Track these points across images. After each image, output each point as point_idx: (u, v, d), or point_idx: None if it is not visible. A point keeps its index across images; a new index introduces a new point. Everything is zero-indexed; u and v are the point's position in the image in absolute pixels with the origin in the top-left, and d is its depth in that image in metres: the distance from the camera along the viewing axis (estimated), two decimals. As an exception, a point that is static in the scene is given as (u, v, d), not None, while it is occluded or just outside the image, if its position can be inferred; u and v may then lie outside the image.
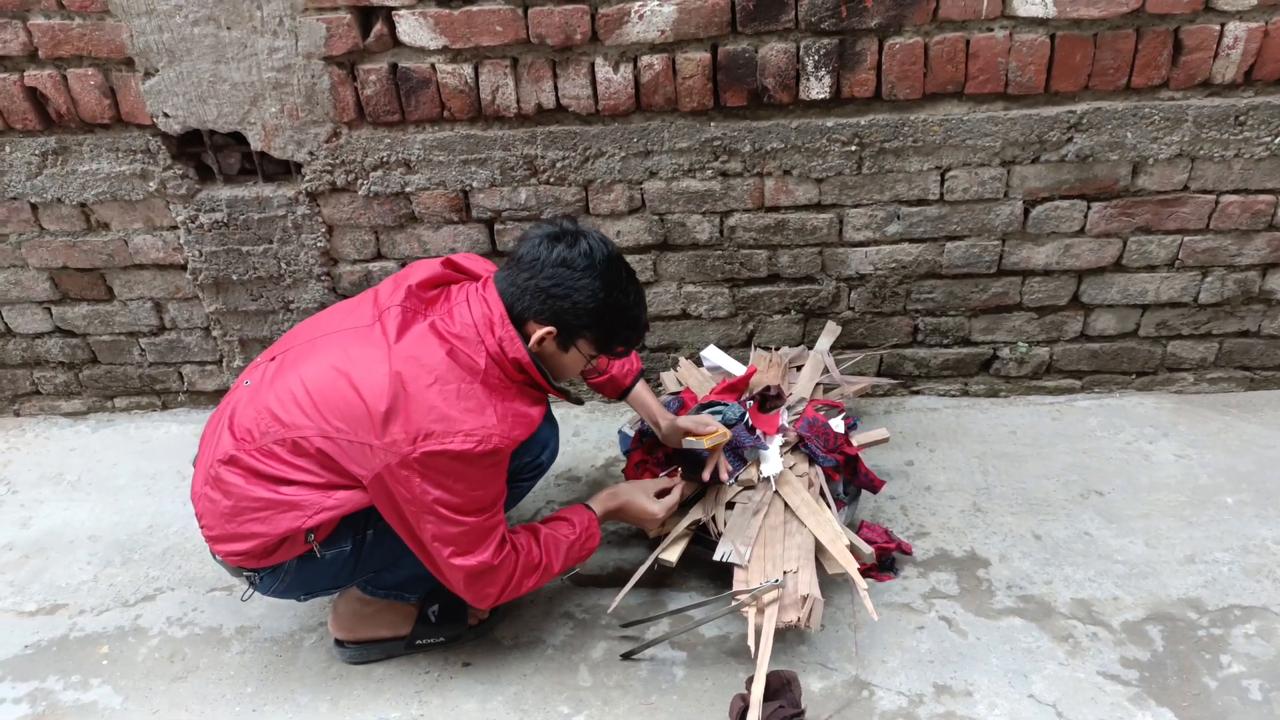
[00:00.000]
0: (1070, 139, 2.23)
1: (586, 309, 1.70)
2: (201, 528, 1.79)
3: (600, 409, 2.77)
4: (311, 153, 2.37)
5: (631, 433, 2.44)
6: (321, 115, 2.32)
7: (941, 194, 2.34)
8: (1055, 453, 2.47)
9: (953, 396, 2.69)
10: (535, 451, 1.94)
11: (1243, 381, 2.60)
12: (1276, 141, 2.20)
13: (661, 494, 2.04)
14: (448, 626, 2.03)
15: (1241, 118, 2.18)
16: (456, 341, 1.69)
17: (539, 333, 1.70)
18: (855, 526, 2.21)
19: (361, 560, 1.82)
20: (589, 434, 2.68)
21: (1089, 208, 2.34)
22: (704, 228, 2.44)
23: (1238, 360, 2.57)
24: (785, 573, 1.93)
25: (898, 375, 2.67)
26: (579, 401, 1.98)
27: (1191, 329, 2.52)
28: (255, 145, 2.39)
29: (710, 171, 2.34)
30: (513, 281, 1.72)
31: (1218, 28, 2.08)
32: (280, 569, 1.78)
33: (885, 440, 2.35)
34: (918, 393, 2.70)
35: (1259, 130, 2.19)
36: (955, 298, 2.51)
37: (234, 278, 2.59)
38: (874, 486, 2.22)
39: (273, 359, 1.82)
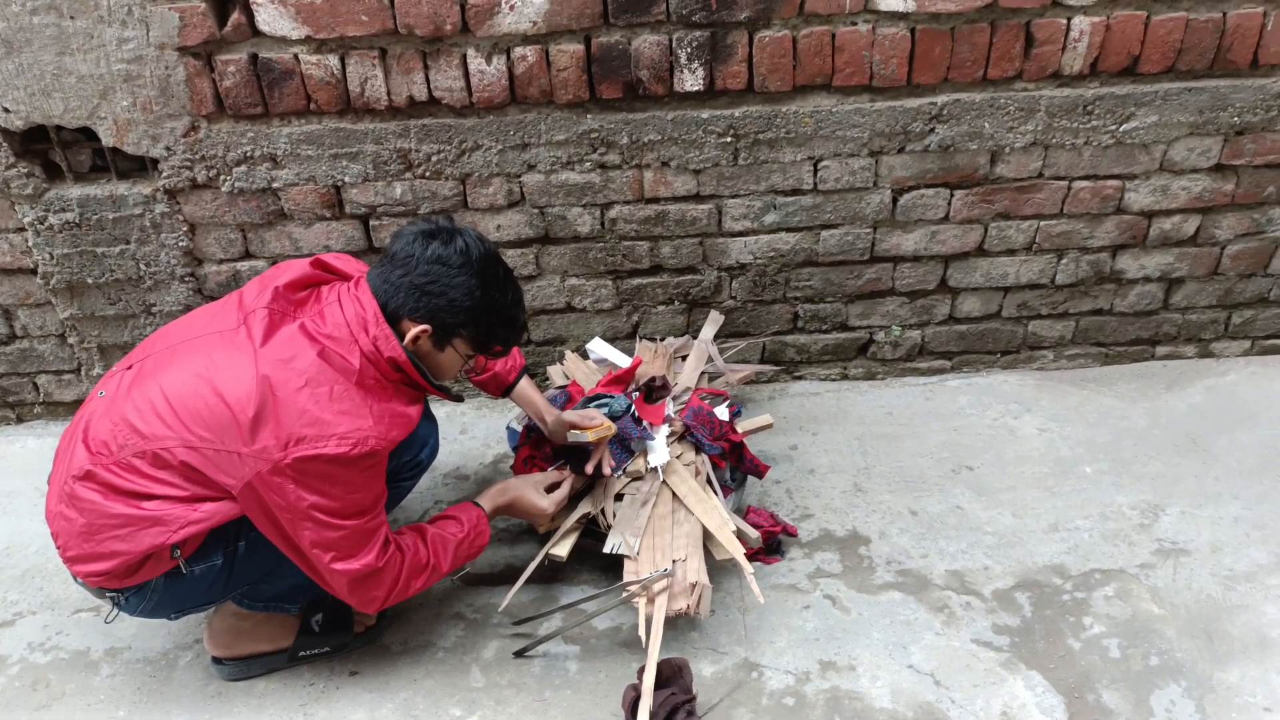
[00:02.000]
0: (932, 129, 2.32)
1: (462, 307, 1.67)
2: (58, 548, 1.68)
3: (487, 405, 2.74)
4: (168, 148, 2.26)
5: (519, 428, 2.42)
6: (178, 109, 2.21)
7: (815, 184, 2.40)
8: (929, 431, 2.57)
9: (833, 380, 2.77)
10: (414, 450, 1.90)
11: (1098, 357, 2.76)
12: (1121, 129, 2.34)
13: (551, 488, 2.03)
14: (333, 636, 1.97)
15: (1089, 107, 2.30)
16: (328, 342, 1.64)
17: (413, 331, 1.67)
18: (742, 512, 2.25)
19: (235, 573, 1.75)
20: (476, 431, 2.65)
21: (952, 195, 2.44)
22: (585, 220, 2.43)
23: (1093, 337, 2.72)
24: (674, 561, 1.95)
25: (780, 361, 2.73)
26: (459, 399, 1.95)
27: (1050, 309, 2.66)
28: (107, 141, 2.25)
29: (589, 164, 2.33)
30: (386, 279, 1.68)
31: (1065, 22, 2.19)
32: (146, 588, 1.70)
33: (769, 426, 2.40)
34: (800, 378, 2.77)
35: (1105, 119, 2.32)
36: (832, 284, 2.58)
37: (89, 281, 2.45)
38: (759, 472, 2.27)
39: (129, 367, 1.73)
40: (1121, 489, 2.34)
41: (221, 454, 1.58)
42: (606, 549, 2.00)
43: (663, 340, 2.59)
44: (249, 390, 1.57)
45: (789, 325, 2.66)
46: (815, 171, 2.38)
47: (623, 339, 2.64)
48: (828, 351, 2.71)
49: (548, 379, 2.59)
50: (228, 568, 1.74)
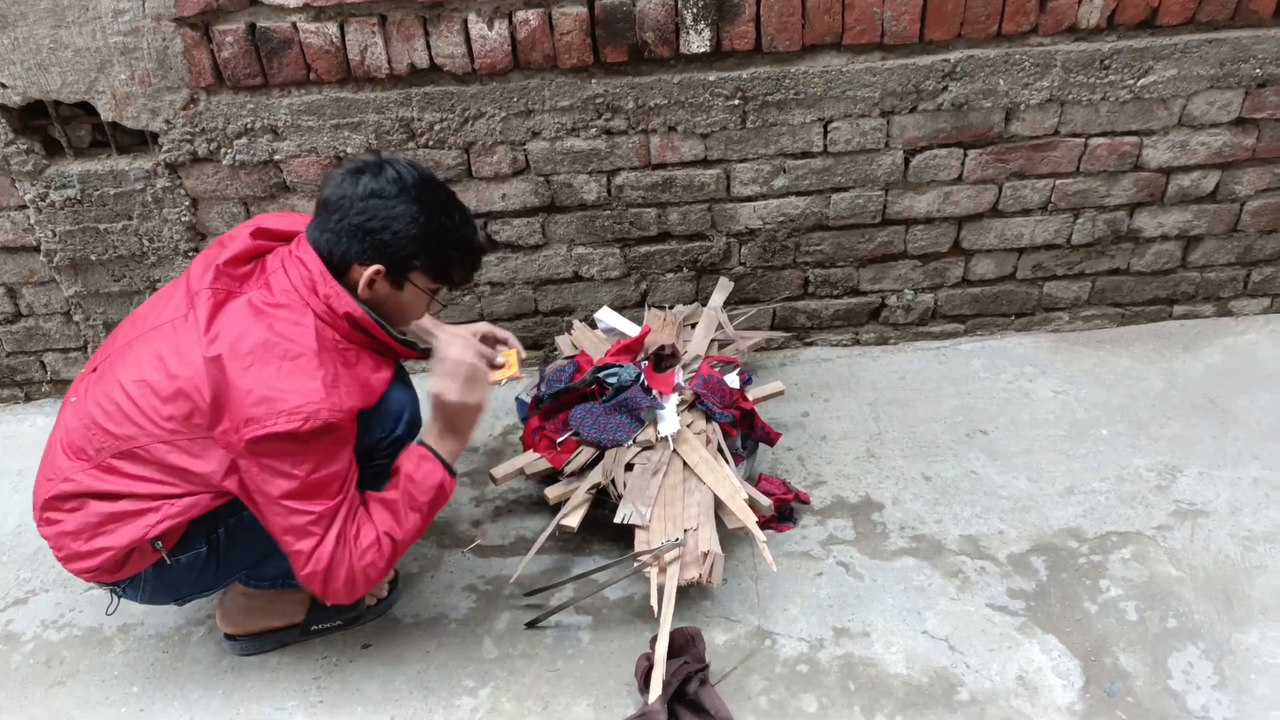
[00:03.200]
0: (945, 88, 2.27)
1: (409, 236, 1.59)
2: (51, 549, 1.69)
3: (496, 377, 2.72)
4: (168, 121, 2.23)
5: (528, 399, 2.41)
6: (176, 81, 2.17)
7: (825, 146, 2.35)
8: (942, 396, 2.54)
9: (845, 346, 2.73)
10: (388, 426, 1.76)
11: (1115, 318, 2.72)
12: (1139, 84, 2.28)
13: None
14: (345, 610, 1.97)
15: (1106, 61, 2.24)
16: (278, 313, 1.57)
17: (366, 274, 1.59)
18: (754, 480, 2.23)
19: (224, 560, 1.73)
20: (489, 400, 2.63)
21: (965, 155, 2.39)
22: (591, 187, 2.39)
23: (1109, 298, 2.68)
24: (685, 530, 1.94)
25: (791, 328, 2.70)
26: (429, 354, 1.78)
27: (1065, 269, 2.61)
28: (106, 115, 2.22)
29: (594, 130, 2.29)
30: (325, 228, 1.60)
31: (1081, -27, 2.13)
32: (138, 579, 1.70)
33: (781, 393, 2.37)
34: (811, 344, 2.74)
35: (1122, 74, 2.26)
36: (843, 249, 2.53)
37: (93, 258, 2.43)
38: (770, 439, 2.25)
39: (94, 370, 1.71)
40: (1138, 451, 2.31)
41: (196, 442, 1.56)
42: (617, 519, 1.99)
43: (672, 308, 2.56)
44: (201, 376, 1.53)
45: (800, 291, 2.62)
46: (825, 133, 2.33)
47: (631, 307, 2.61)
48: (839, 317, 2.68)
49: (556, 349, 2.57)
50: (214, 556, 1.72)
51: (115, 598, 1.77)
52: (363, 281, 1.61)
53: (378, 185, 1.58)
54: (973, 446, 2.37)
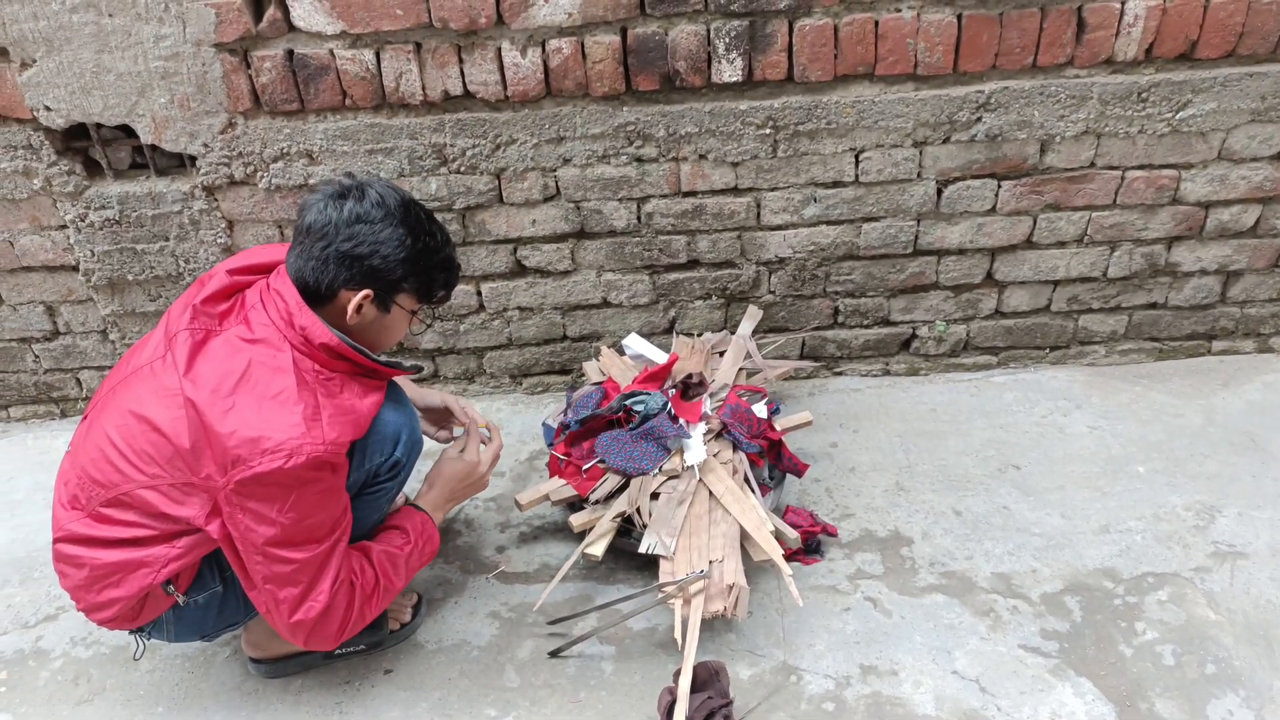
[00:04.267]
0: (979, 119, 2.25)
1: (398, 259, 1.58)
2: (74, 601, 1.70)
3: (523, 401, 2.72)
4: (206, 145, 2.26)
5: (555, 425, 2.40)
6: (215, 105, 2.21)
7: (856, 175, 2.34)
8: (974, 429, 2.50)
9: (874, 376, 2.71)
10: (385, 450, 1.74)
11: (1152, 352, 2.67)
12: (1177, 117, 2.25)
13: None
14: (368, 633, 1.96)
15: (1144, 94, 2.22)
16: (256, 349, 1.56)
17: (356, 299, 1.58)
18: (780, 511, 2.21)
19: (242, 594, 1.71)
20: (512, 426, 2.63)
21: (999, 186, 2.36)
22: (621, 214, 2.40)
23: (1146, 332, 2.63)
24: (711, 562, 1.92)
25: (820, 357, 2.67)
26: (417, 369, 1.82)
27: (1101, 303, 2.57)
28: (145, 138, 2.26)
29: (625, 157, 2.30)
30: (308, 256, 1.58)
31: (1119, 5, 2.11)
32: (160, 622, 1.71)
33: (809, 423, 2.35)
34: (840, 374, 2.71)
35: (1160, 106, 2.23)
36: (874, 278, 2.52)
37: (130, 278, 2.47)
38: (798, 470, 2.22)
39: (86, 418, 1.72)
40: (1176, 489, 2.26)
41: (177, 487, 1.55)
42: (642, 549, 1.97)
43: (700, 336, 2.55)
44: (179, 419, 1.52)
45: (829, 320, 2.60)
46: (857, 163, 2.32)
47: (659, 334, 2.61)
48: (869, 347, 2.65)
49: (583, 375, 2.56)
50: (233, 592, 1.71)
51: (141, 643, 1.78)
52: (352, 306, 1.60)
53: (363, 209, 1.57)
54: (1004, 481, 2.33)
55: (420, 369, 1.83)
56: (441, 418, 2.08)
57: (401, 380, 2.02)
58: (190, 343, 1.58)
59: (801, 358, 2.67)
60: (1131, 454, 2.38)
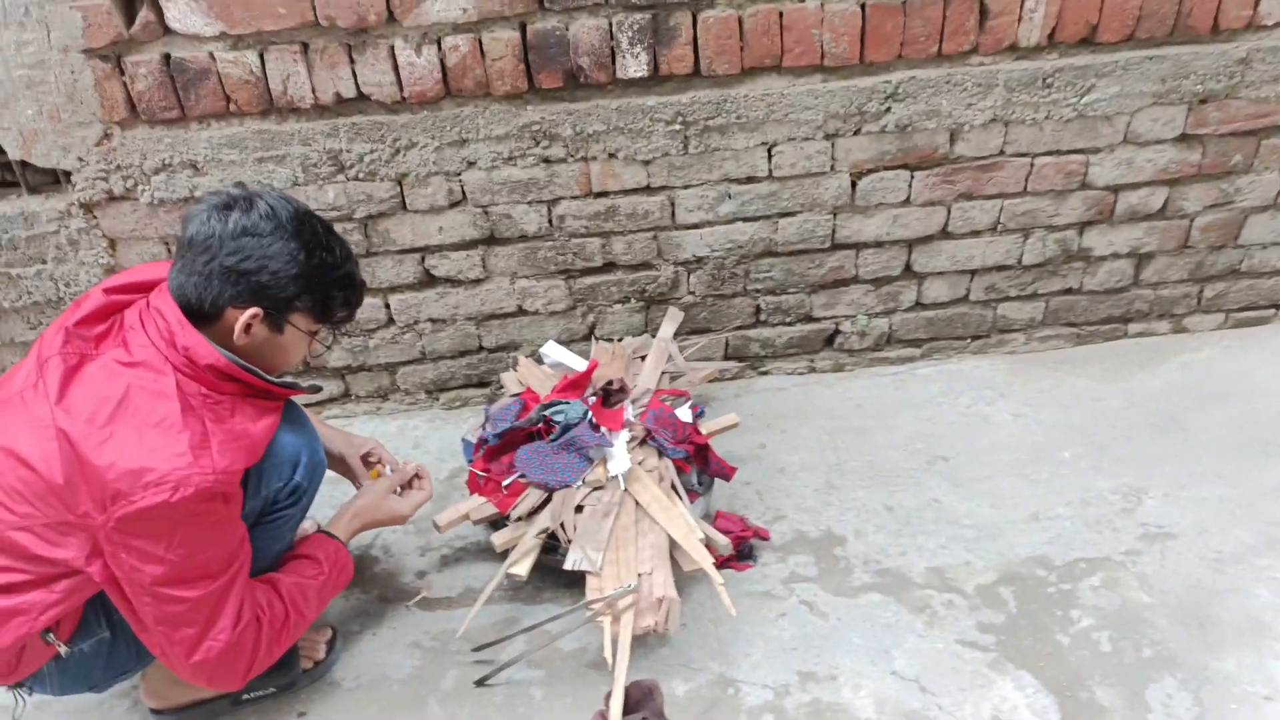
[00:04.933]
0: (888, 109, 2.23)
1: (289, 276, 1.47)
2: None
3: (441, 416, 2.61)
4: (81, 158, 2.10)
5: (474, 440, 2.30)
6: (88, 115, 2.06)
7: (770, 170, 2.30)
8: (900, 422, 2.47)
9: (800, 374, 2.66)
10: (284, 474, 1.62)
11: (1070, 338, 2.68)
12: (1082, 102, 2.26)
13: (408, 486, 1.93)
14: (278, 675, 1.82)
15: (1049, 80, 2.22)
16: (135, 373, 1.43)
17: (243, 318, 1.47)
18: (711, 518, 2.14)
19: (133, 638, 1.56)
20: (430, 444, 2.51)
21: (913, 177, 2.35)
22: (532, 218, 2.31)
23: (1064, 318, 2.65)
24: (640, 575, 1.84)
25: (744, 357, 2.62)
26: (315, 389, 1.72)
27: (1018, 290, 2.57)
28: (13, 153, 2.10)
29: (532, 158, 2.21)
30: (191, 271, 1.46)
31: (1020, -9, 2.11)
32: (41, 676, 1.55)
33: (735, 425, 2.29)
34: (765, 373, 2.66)
35: (1065, 91, 2.24)
36: (794, 275, 2.47)
37: (5, 305, 2.29)
38: (726, 474, 2.16)
39: None
40: (1101, 473, 2.26)
41: (52, 527, 1.41)
42: (568, 565, 1.87)
43: (620, 341, 2.47)
44: (52, 452, 1.38)
45: (751, 319, 2.55)
46: (770, 157, 2.28)
47: (579, 341, 2.52)
48: (793, 345, 2.61)
49: (501, 387, 2.46)
50: (123, 637, 1.56)
51: (21, 699, 1.61)
52: (239, 326, 1.48)
53: (250, 221, 1.46)
54: (933, 474, 2.30)
55: (318, 388, 1.71)
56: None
57: (324, 426, 1.93)
58: (63, 368, 1.44)
59: (725, 358, 2.62)
60: (1056, 440, 2.38)
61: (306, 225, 1.51)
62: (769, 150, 2.26)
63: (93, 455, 1.36)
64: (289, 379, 1.62)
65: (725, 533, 2.05)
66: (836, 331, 2.60)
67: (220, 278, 1.46)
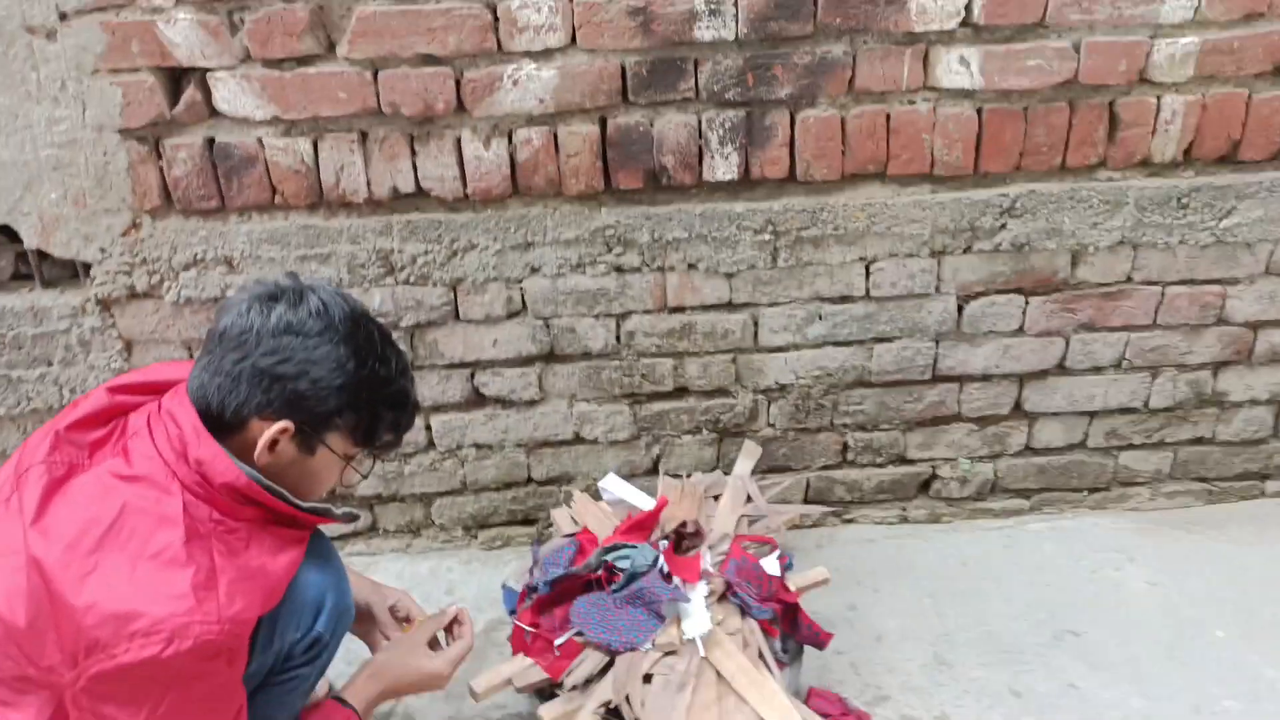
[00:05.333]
0: (1004, 225, 1.99)
1: (333, 387, 1.22)
2: None
3: (479, 557, 2.27)
4: (103, 249, 1.90)
5: (518, 588, 1.97)
6: (117, 202, 1.86)
7: (867, 289, 2.05)
8: (1015, 587, 2.11)
9: (890, 524, 2.32)
10: (304, 623, 1.34)
11: (1201, 495, 2.34)
12: (1220, 225, 2.01)
13: (436, 641, 1.58)
14: None
15: (1184, 199, 1.98)
16: (133, 489, 1.17)
17: (270, 432, 1.21)
18: (802, 694, 1.76)
19: None
20: (466, 590, 2.17)
21: (1027, 303, 2.08)
22: (597, 333, 2.05)
23: (1194, 471, 2.31)
24: (726, 771, 1.47)
25: (828, 501, 2.29)
26: (353, 517, 1.41)
27: (1144, 437, 2.25)
28: (30, 242, 1.90)
29: (603, 266, 1.98)
30: (217, 370, 1.21)
31: (1154, 100, 1.90)
32: None
33: (826, 582, 1.94)
34: (851, 521, 2.32)
35: (1202, 214, 2.00)
36: (888, 409, 2.18)
37: (1, 411, 2.03)
38: (820, 641, 1.79)
39: None
40: (1266, 657, 1.87)
41: (6, 683, 1.11)
42: (634, 752, 1.51)
43: (689, 477, 2.16)
44: (18, 586, 1.09)
45: (838, 458, 2.24)
46: (868, 275, 2.03)
47: (641, 475, 2.21)
48: (884, 489, 2.28)
49: (551, 525, 2.14)
50: None
51: None
52: (263, 442, 1.21)
53: (296, 318, 1.22)
54: (1063, 651, 1.93)
55: (355, 516, 1.42)
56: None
57: (353, 574, 1.62)
58: (46, 480, 1.17)
59: (806, 501, 2.29)
60: (1205, 615, 2.00)
61: (362, 329, 1.27)
62: (867, 267, 2.02)
63: (69, 592, 1.08)
64: (321, 504, 1.33)
65: (824, 716, 1.67)
66: (934, 476, 2.28)
67: (251, 380, 1.21)
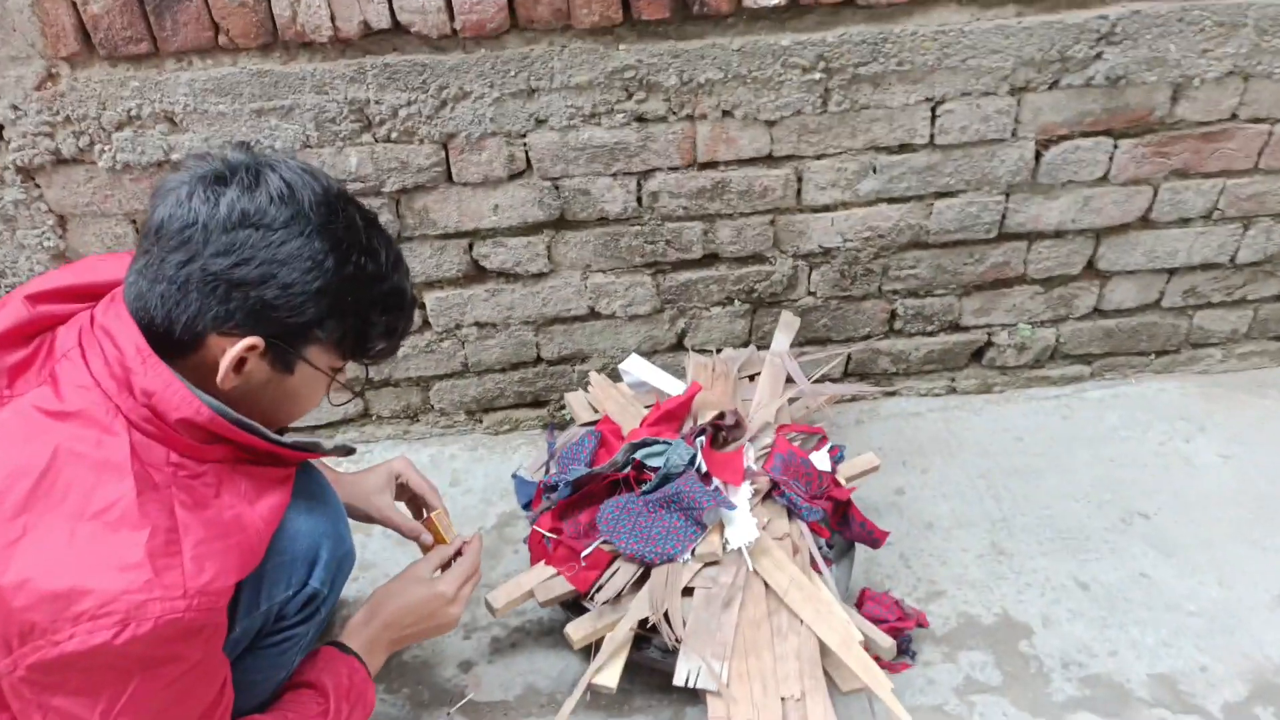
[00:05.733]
0: (1099, 54, 1.67)
1: (309, 292, 0.97)
2: None
3: (486, 443, 2.07)
4: (16, 107, 1.56)
5: (532, 479, 1.78)
6: (24, 48, 1.51)
7: (932, 135, 1.74)
8: (1076, 463, 1.93)
9: (937, 396, 2.12)
10: (296, 578, 1.14)
11: (1275, 355, 2.13)
12: (1352, 50, 1.69)
13: (446, 565, 1.38)
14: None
15: (1315, 18, 1.66)
16: (70, 429, 0.94)
17: (234, 351, 0.97)
18: (854, 599, 1.61)
19: None
20: (472, 480, 1.98)
21: (1116, 147, 1.79)
22: (615, 195, 1.76)
23: (1272, 329, 2.09)
24: (784, 700, 1.32)
25: (869, 374, 2.08)
26: (347, 451, 1.20)
27: (1224, 295, 2.02)
28: (-76, 100, 1.56)
29: (622, 116, 1.66)
30: (157, 275, 0.96)
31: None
32: None
33: (875, 469, 1.75)
34: (893, 393, 2.12)
35: (1333, 36, 1.68)
36: (944, 272, 1.92)
37: (-73, 300, 1.75)
38: (875, 540, 1.62)
39: None
40: (1356, 539, 1.73)
41: None
42: (679, 679, 1.36)
43: (719, 353, 1.93)
44: None
45: (884, 328, 2.01)
46: (934, 118, 1.72)
47: (664, 352, 1.98)
48: (932, 359, 2.06)
49: (564, 406, 1.93)
50: None
51: None
52: (226, 363, 0.97)
53: (254, 205, 0.95)
54: (1132, 535, 1.77)
55: (351, 450, 1.19)
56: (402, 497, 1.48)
57: (330, 472, 1.39)
58: None
59: (845, 375, 2.07)
60: (1283, 491, 1.84)
61: (340, 215, 1.00)
62: (934, 109, 1.71)
63: None
64: (306, 440, 1.10)
65: (877, 621, 1.52)
66: (988, 344, 2.05)
67: (202, 288, 0.95)
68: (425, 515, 1.45)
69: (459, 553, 1.39)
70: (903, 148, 1.76)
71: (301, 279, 0.97)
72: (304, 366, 1.03)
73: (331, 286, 0.99)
